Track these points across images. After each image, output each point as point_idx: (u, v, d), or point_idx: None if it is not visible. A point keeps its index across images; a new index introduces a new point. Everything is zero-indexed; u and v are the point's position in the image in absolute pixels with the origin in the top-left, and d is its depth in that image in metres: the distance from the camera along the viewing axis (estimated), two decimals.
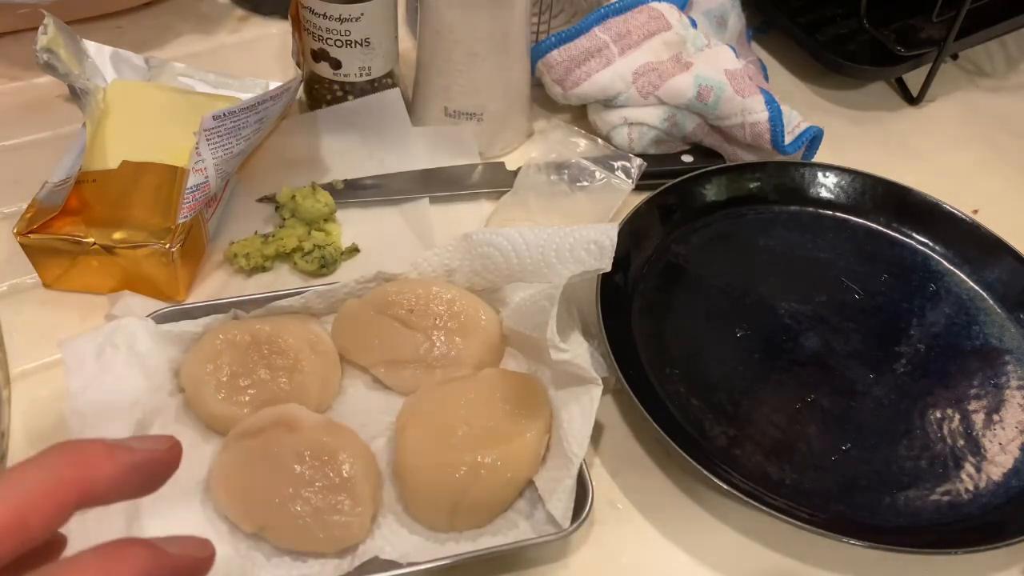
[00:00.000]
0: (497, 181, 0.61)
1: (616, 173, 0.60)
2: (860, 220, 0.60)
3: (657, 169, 0.61)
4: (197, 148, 0.48)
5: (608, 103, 0.62)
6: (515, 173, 0.61)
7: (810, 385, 0.50)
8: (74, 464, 0.24)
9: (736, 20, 0.70)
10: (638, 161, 0.60)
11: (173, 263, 0.49)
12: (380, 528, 0.42)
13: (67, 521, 0.24)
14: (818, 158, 0.62)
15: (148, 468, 0.26)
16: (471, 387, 0.45)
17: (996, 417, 0.50)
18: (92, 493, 0.25)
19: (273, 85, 0.59)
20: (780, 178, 0.60)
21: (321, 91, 0.62)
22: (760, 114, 0.59)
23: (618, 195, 0.60)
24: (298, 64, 0.60)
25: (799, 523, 0.41)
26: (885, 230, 0.60)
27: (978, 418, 0.50)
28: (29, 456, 0.25)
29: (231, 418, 0.43)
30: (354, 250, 0.56)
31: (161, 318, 0.47)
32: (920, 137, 0.71)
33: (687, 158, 0.63)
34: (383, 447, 0.45)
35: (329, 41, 0.57)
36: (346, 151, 0.61)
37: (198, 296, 0.52)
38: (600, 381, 0.44)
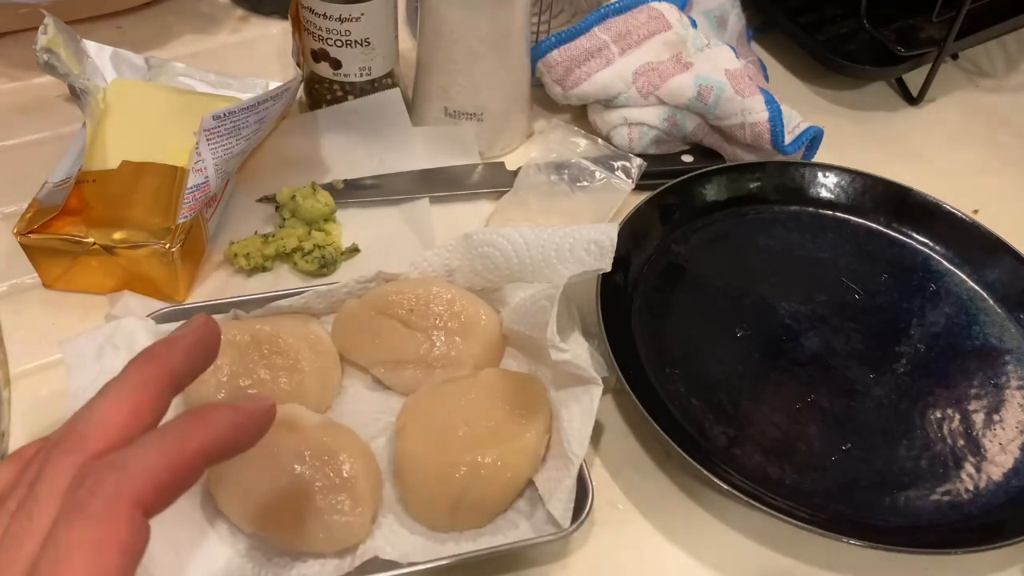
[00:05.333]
0: (497, 181, 0.61)
1: (616, 173, 0.60)
2: (860, 220, 0.60)
3: (657, 169, 0.61)
4: (197, 148, 0.48)
5: (608, 103, 0.62)
6: (515, 173, 0.61)
7: (810, 385, 0.50)
8: (154, 362, 0.30)
9: (736, 20, 0.70)
10: (638, 161, 0.61)
11: (173, 263, 0.49)
12: (380, 528, 0.42)
13: (169, 406, 0.30)
14: (818, 158, 0.62)
15: (203, 342, 0.32)
16: (471, 387, 0.45)
17: (996, 417, 0.50)
18: (177, 377, 0.30)
19: (273, 85, 0.60)
20: (780, 178, 0.60)
21: (321, 91, 0.62)
22: (760, 114, 0.59)
23: (618, 195, 0.60)
24: (298, 64, 0.60)
25: (799, 523, 0.41)
26: (885, 230, 0.60)
27: (978, 418, 0.50)
28: None
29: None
30: (354, 250, 0.56)
31: (161, 318, 0.47)
32: (920, 137, 0.71)
33: (687, 158, 0.63)
34: (383, 447, 0.45)
35: (329, 41, 0.57)
36: (346, 151, 0.61)
37: (198, 296, 0.52)
38: (600, 381, 0.44)
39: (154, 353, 0.30)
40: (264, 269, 0.54)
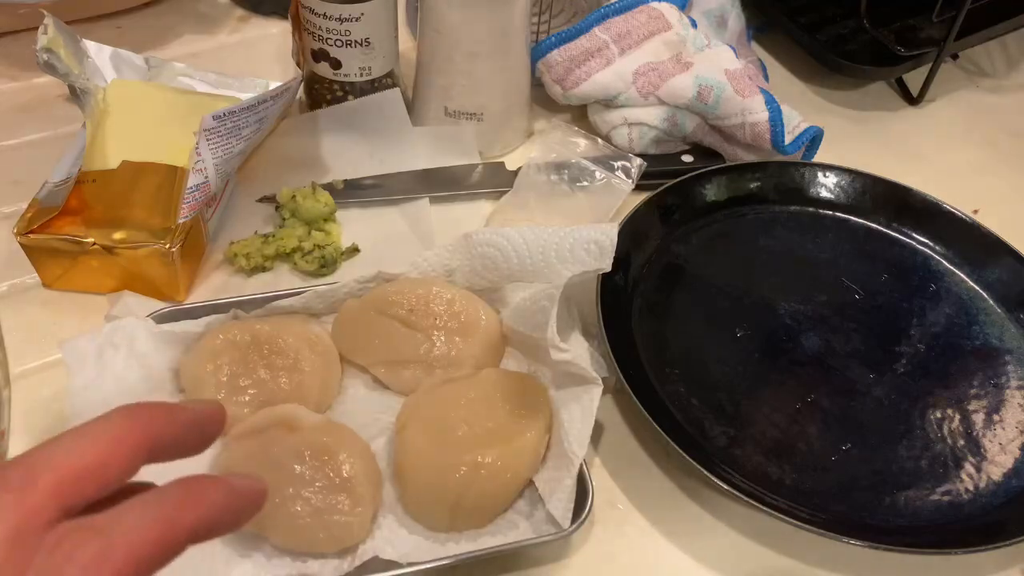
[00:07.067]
0: (497, 181, 0.61)
1: (616, 173, 0.60)
2: (860, 220, 0.60)
3: (657, 169, 0.61)
4: (197, 148, 0.48)
5: (608, 103, 0.62)
6: (515, 173, 0.61)
7: (810, 385, 0.50)
8: (140, 419, 0.27)
9: (736, 20, 0.70)
10: (638, 161, 0.61)
11: (173, 263, 0.49)
12: (380, 528, 0.42)
13: (137, 471, 0.27)
14: (818, 158, 0.62)
15: (202, 425, 0.29)
16: (471, 387, 0.45)
17: (996, 417, 0.50)
18: (158, 445, 0.27)
19: (273, 85, 0.60)
20: (780, 178, 0.60)
21: (321, 91, 0.62)
22: (760, 114, 0.59)
23: (618, 195, 0.60)
24: (298, 64, 0.60)
25: (799, 523, 0.41)
26: (885, 230, 0.60)
27: (978, 418, 0.50)
28: None
29: (231, 418, 0.43)
30: (354, 250, 0.56)
31: (161, 318, 0.47)
32: (920, 137, 0.72)
33: (687, 158, 0.63)
34: (383, 447, 0.45)
35: (329, 41, 0.57)
36: (346, 151, 0.61)
37: (198, 296, 0.52)
38: (600, 381, 0.44)
39: (148, 414, 0.27)
40: (264, 269, 0.54)
